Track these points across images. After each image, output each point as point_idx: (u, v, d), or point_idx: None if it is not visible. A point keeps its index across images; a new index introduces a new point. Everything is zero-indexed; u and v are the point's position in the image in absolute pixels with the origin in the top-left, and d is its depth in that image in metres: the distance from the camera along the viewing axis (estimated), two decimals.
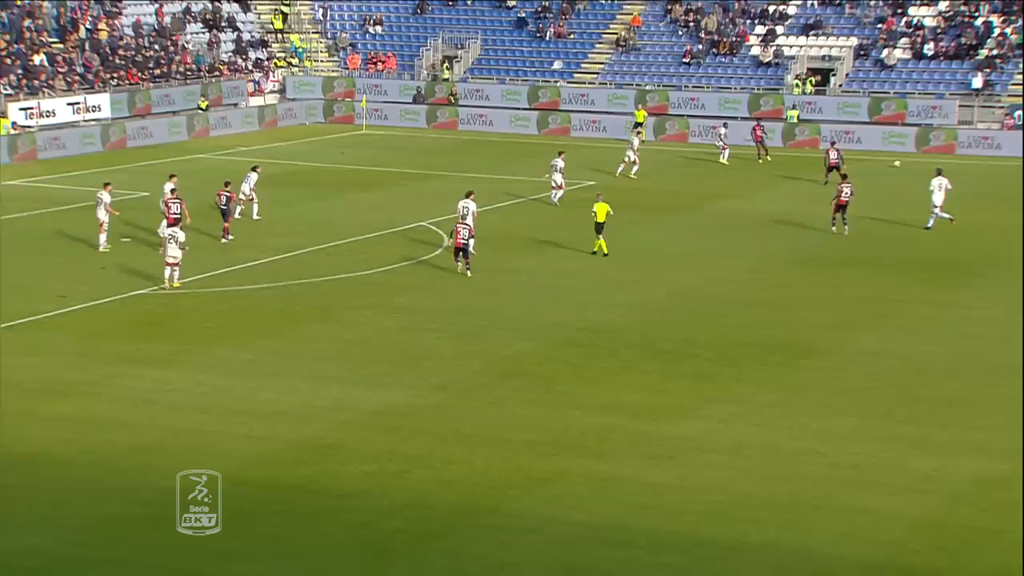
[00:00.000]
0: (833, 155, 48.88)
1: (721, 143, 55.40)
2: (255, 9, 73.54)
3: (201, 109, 63.25)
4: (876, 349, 29.54)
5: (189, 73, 65.13)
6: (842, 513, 21.18)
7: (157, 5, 68.60)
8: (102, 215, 37.60)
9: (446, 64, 69.60)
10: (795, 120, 61.18)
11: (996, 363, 28.28)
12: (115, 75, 61.56)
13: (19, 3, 61.83)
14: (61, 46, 61.89)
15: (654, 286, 34.94)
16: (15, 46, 59.22)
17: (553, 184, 45.58)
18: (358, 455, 23.37)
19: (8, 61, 58.05)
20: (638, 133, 59.70)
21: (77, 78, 59.89)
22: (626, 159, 52.12)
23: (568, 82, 67.18)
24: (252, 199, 42.32)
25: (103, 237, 37.74)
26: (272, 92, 68.98)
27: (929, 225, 41.94)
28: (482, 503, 21.50)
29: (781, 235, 41.70)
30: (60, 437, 23.87)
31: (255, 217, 42.32)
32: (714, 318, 31.96)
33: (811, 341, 30.17)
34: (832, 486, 22.20)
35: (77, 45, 62.20)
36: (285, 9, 73.28)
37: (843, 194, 41.14)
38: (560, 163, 45.75)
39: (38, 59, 59.33)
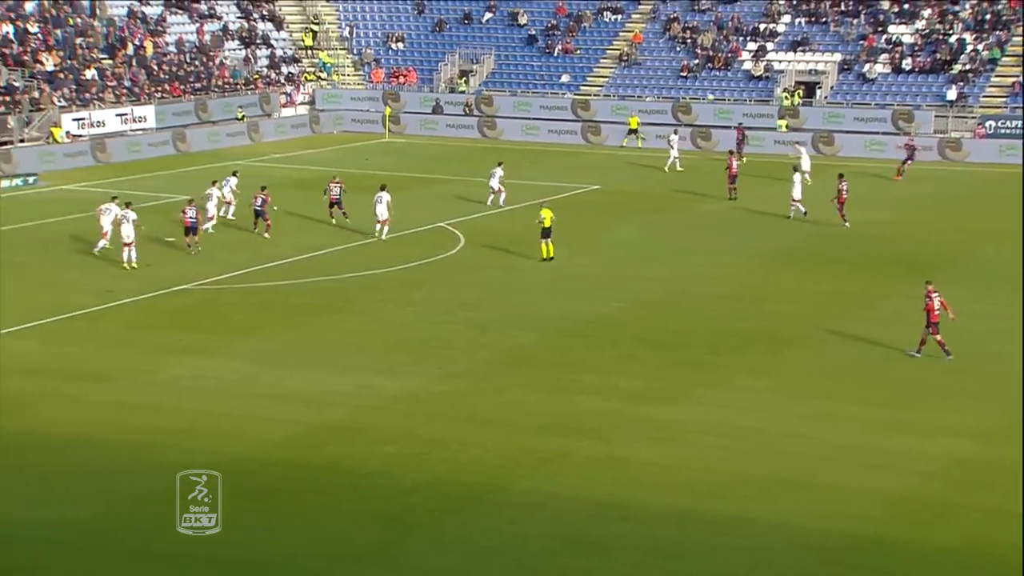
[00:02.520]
0: (735, 164, 47.76)
1: (672, 148, 54.58)
2: (287, 28, 73.48)
3: (238, 119, 63.26)
4: (853, 338, 29.38)
5: (227, 87, 65.14)
6: (820, 489, 21.07)
7: (198, 24, 68.59)
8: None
9: (463, 78, 69.49)
10: (784, 129, 60.96)
11: (961, 352, 28.10)
12: (159, 88, 61.60)
13: (72, 23, 61.88)
14: (110, 62, 61.88)
15: (648, 282, 34.81)
16: (69, 62, 59.28)
17: (491, 190, 45.24)
18: (378, 438, 23.33)
19: (62, 76, 58.12)
20: (635, 138, 59.99)
21: (125, 91, 59.88)
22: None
23: (575, 94, 67.00)
24: (230, 202, 41.59)
25: (103, 243, 36.08)
26: (303, 104, 68.93)
27: (790, 215, 42.95)
28: (493, 481, 21.45)
29: (764, 234, 41.53)
30: (105, 419, 23.88)
31: (230, 217, 41.49)
32: (705, 311, 31.82)
33: (793, 331, 30.02)
34: (812, 465, 22.09)
35: (125, 61, 62.21)
36: (315, 28, 73.21)
37: (844, 192, 41.61)
38: (499, 171, 45.47)
39: (89, 74, 59.35)
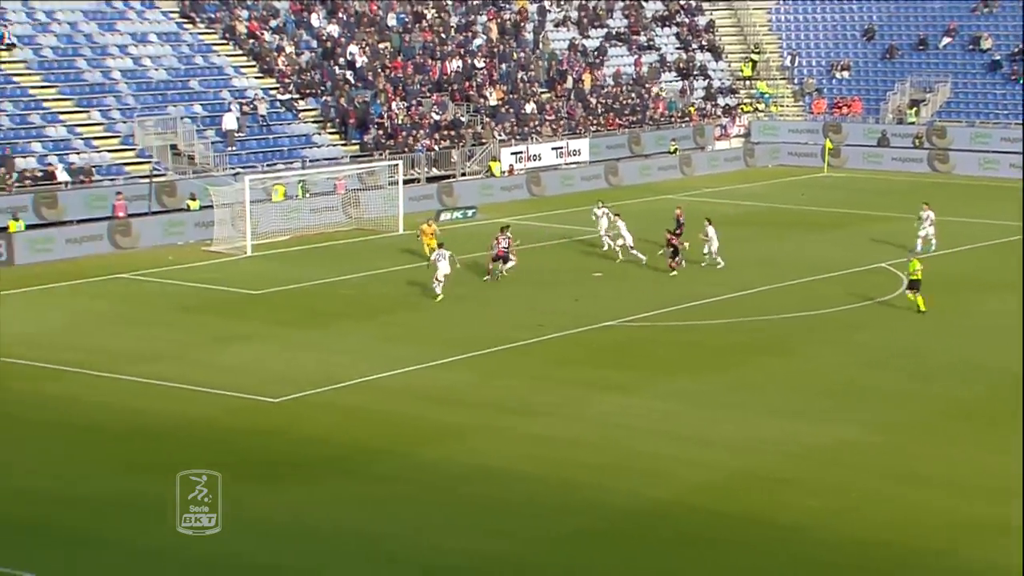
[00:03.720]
0: None
1: None
2: (726, 58, 74.07)
3: (670, 152, 64.36)
4: None
5: (661, 119, 66.44)
6: None
7: (636, 56, 70.52)
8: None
9: (914, 108, 67.19)
10: None
11: None
12: (594, 121, 63.77)
13: (515, 57, 65.25)
14: (549, 95, 64.82)
15: None
16: (511, 96, 62.60)
17: (921, 237, 42.70)
18: (806, 488, 22.93)
19: (504, 110, 61.44)
20: None
21: (562, 124, 62.40)
22: None
23: None
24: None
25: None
26: (737, 136, 69.13)
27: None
28: (934, 546, 20.53)
29: None
30: (530, 453, 24.89)
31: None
32: None
33: None
34: None
35: (563, 95, 64.97)
36: (755, 58, 73.31)
37: None
38: (931, 215, 42.91)
39: (529, 107, 62.40)
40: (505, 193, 56.34)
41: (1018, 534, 20.66)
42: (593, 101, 65.09)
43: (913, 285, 34.94)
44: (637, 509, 22.24)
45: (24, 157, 46.88)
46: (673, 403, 27.77)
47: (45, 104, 49.85)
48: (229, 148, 51.98)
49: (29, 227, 43.23)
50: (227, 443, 25.36)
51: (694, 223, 42.01)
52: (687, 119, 67.33)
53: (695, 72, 71.49)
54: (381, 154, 54.32)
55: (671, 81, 70.34)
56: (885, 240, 45.22)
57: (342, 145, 55.49)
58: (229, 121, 52.37)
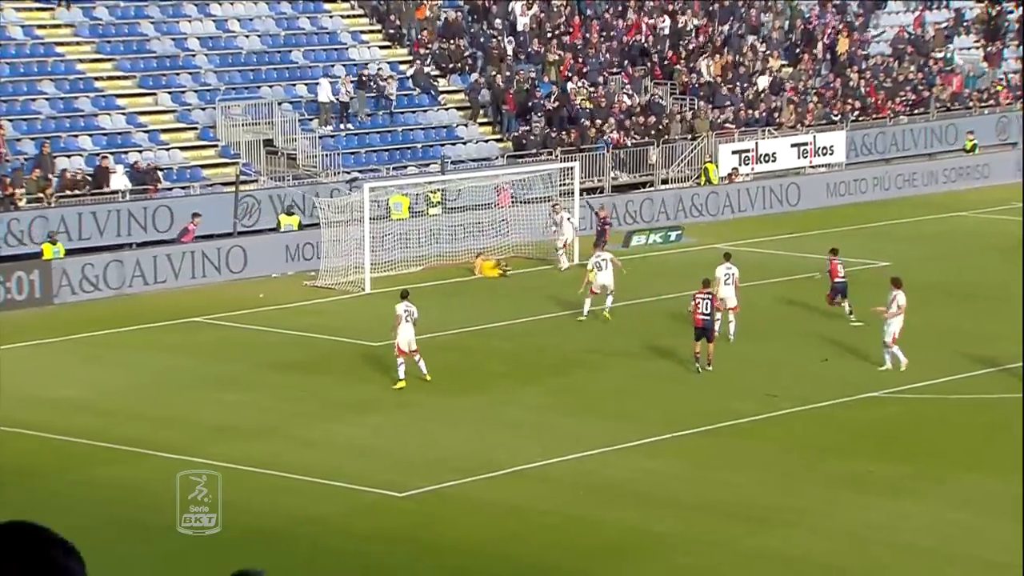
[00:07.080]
0: None
1: None
2: None
3: (966, 151, 63.45)
4: None
5: (953, 103, 65.52)
6: None
7: (918, 11, 69.77)
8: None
9: None
10: None
11: None
12: (855, 106, 63.07)
13: (744, 15, 65.13)
14: (790, 68, 64.58)
15: None
16: (734, 70, 62.33)
17: None
18: None
19: (724, 89, 61.07)
20: None
21: (811, 110, 61.70)
22: None
23: None
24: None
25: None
26: None
27: None
28: None
29: None
30: None
31: None
32: None
33: None
34: None
35: (810, 68, 64.59)
36: None
37: None
38: None
39: (761, 84, 62.08)
40: (724, 208, 56.15)
41: None
42: (853, 76, 64.74)
43: None
44: None
45: (68, 156, 48.67)
46: (968, 512, 27.67)
47: (97, 84, 51.86)
48: (323, 128, 52.51)
49: (71, 252, 44.22)
50: (337, 552, 26.08)
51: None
52: (992, 102, 66.38)
53: (1007, 34, 70.52)
54: (550, 152, 54.87)
55: (970, 47, 69.53)
56: None
57: (496, 140, 56.26)
58: (324, 91, 53.10)
